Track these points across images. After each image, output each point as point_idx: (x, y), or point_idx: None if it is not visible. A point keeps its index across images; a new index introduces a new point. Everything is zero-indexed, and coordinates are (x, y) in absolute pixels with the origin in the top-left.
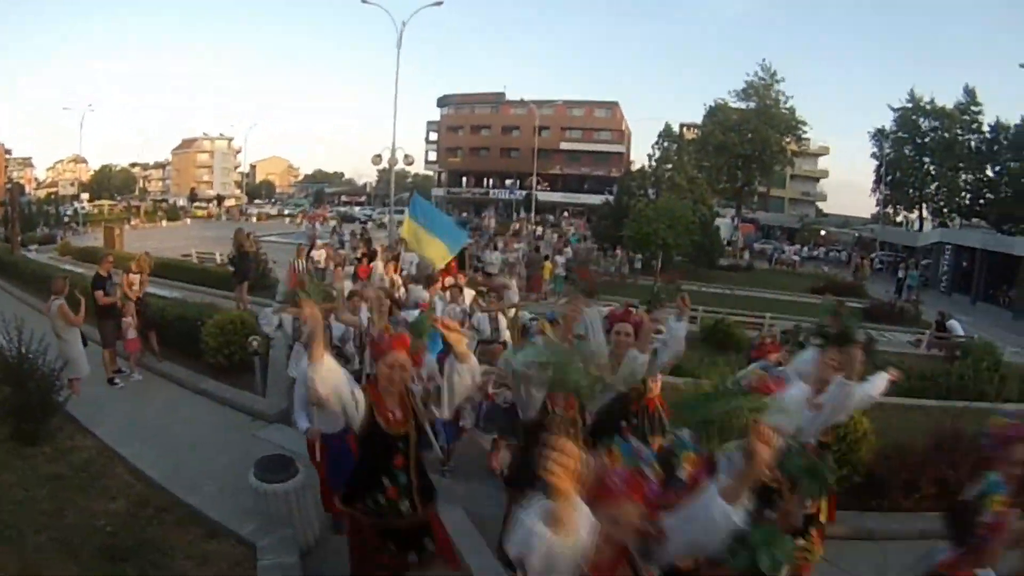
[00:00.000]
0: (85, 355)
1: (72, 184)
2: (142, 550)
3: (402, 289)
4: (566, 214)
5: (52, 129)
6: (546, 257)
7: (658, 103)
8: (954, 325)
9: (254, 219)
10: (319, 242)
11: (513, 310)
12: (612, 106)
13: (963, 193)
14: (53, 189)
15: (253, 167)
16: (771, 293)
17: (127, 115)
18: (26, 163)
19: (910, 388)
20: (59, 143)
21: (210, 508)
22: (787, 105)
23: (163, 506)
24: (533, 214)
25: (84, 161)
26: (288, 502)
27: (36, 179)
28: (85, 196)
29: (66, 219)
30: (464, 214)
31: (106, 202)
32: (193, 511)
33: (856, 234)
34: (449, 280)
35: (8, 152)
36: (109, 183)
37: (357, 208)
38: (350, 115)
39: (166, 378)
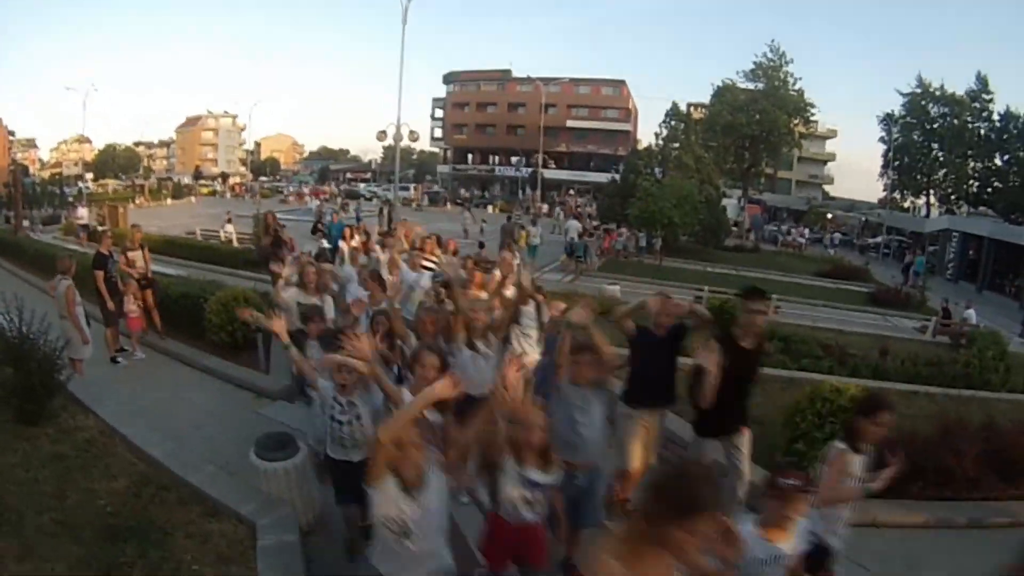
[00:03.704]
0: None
1: (76, 164)
2: (142, 530)
3: None
4: (571, 192)
5: (56, 110)
6: (521, 227)
7: (665, 82)
8: (970, 315)
9: (257, 196)
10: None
11: None
12: (619, 84)
13: (971, 181)
14: (57, 170)
15: (258, 144)
16: (777, 275)
17: (131, 94)
18: (30, 144)
19: (916, 374)
20: (63, 124)
21: (211, 487)
22: (796, 87)
23: (164, 485)
24: (539, 191)
25: (88, 141)
26: (288, 480)
27: (40, 160)
28: (89, 176)
29: (70, 199)
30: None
31: (111, 181)
32: (194, 490)
33: (863, 218)
34: None
35: (11, 134)
36: (113, 162)
37: (362, 185)
38: (356, 92)
39: (169, 356)
